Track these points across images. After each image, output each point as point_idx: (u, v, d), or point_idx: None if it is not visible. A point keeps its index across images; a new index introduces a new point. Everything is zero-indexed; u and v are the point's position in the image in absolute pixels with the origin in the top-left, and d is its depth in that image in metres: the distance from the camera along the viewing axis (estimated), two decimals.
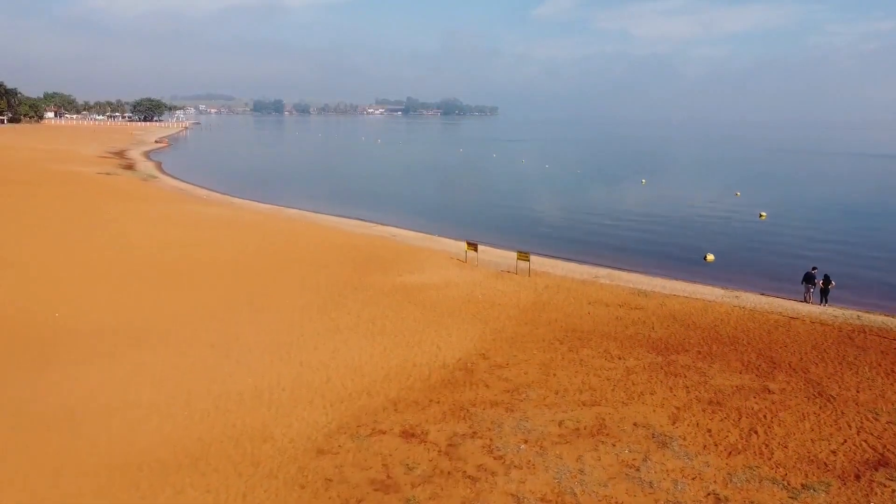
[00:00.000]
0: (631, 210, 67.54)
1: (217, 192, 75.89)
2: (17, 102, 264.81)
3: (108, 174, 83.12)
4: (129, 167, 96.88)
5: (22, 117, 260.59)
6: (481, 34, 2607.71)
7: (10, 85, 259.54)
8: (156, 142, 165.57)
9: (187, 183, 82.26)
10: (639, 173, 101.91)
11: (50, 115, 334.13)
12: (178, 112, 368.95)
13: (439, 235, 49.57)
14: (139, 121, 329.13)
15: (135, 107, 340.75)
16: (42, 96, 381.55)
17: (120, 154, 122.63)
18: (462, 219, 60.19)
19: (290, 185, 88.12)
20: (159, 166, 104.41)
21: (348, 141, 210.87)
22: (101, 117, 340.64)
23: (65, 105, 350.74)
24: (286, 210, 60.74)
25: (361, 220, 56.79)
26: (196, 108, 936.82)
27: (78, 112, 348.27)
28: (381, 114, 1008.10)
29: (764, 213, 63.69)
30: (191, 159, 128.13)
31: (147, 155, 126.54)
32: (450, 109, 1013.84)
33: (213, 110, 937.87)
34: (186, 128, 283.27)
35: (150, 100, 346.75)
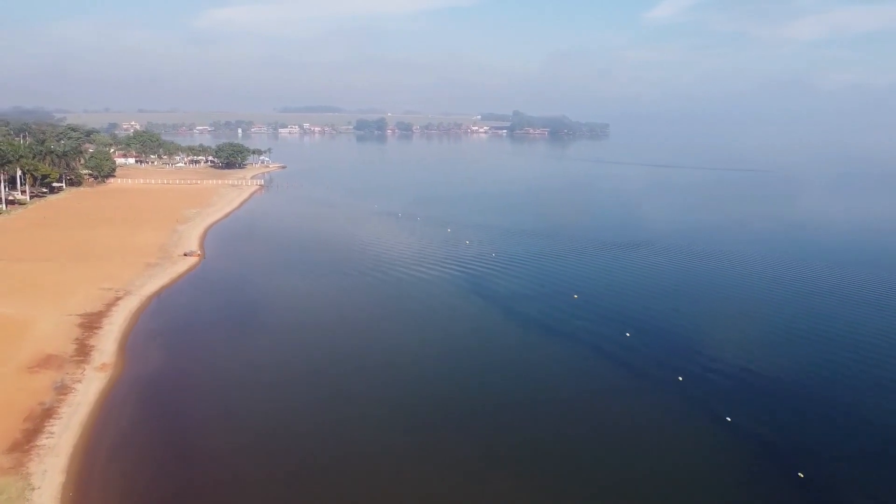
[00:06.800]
0: None
1: None
2: (78, 158, 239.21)
3: None
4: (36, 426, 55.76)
5: (85, 176, 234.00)
6: (590, 43, 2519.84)
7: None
8: (185, 255, 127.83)
9: None
10: None
11: (130, 161, 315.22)
12: (262, 156, 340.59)
13: None
14: (221, 166, 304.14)
15: (217, 152, 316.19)
16: (145, 127, 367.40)
17: (89, 328, 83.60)
18: None
19: None
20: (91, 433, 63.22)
21: (432, 239, 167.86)
22: (181, 164, 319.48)
23: (150, 146, 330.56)
24: None
25: None
26: (301, 126, 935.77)
27: (160, 157, 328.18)
28: (486, 133, 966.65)
29: None
30: (190, 353, 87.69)
31: (132, 323, 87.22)
32: (557, 128, 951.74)
33: (316, 129, 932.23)
34: (262, 186, 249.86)
35: (231, 144, 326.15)
